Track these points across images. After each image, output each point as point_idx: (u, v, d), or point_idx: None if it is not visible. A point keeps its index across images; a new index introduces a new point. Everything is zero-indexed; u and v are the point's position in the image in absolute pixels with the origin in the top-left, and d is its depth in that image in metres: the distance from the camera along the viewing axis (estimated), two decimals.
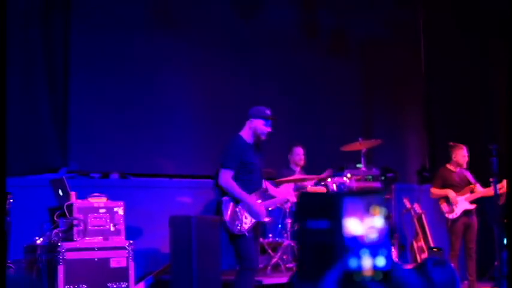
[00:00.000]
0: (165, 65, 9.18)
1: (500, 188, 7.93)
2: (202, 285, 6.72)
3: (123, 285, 6.83)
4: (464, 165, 9.09)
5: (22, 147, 7.89)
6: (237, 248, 6.61)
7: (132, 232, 7.54)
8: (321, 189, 7.82)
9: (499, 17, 10.61)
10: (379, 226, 2.67)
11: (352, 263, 2.56)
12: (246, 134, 6.78)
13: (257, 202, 6.67)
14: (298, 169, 9.26)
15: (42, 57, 8.27)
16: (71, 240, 6.73)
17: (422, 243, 10.01)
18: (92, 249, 6.76)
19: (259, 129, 6.74)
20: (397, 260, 9.24)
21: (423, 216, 10.12)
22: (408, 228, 10.36)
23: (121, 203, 7.06)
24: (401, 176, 10.24)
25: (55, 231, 6.77)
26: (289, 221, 8.46)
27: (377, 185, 9.11)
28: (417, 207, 10.13)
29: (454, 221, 8.91)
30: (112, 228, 6.94)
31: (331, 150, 9.45)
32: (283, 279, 7.68)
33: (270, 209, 7.12)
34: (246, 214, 6.59)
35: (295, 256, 8.35)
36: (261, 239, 7.83)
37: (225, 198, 6.60)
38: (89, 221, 6.84)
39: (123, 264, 6.88)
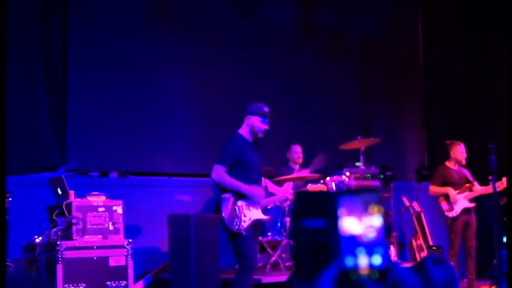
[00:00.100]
0: (165, 65, 9.19)
1: (499, 186, 7.95)
2: (201, 284, 6.73)
3: (122, 284, 6.84)
4: (463, 162, 9.11)
5: (21, 146, 7.89)
6: (237, 246, 6.62)
7: (131, 231, 7.55)
8: (321, 187, 7.82)
9: (499, 17, 10.62)
10: (377, 225, 2.67)
11: (349, 261, 2.56)
12: (244, 131, 6.80)
13: (252, 187, 6.66)
14: (297, 167, 9.27)
15: (41, 57, 8.26)
16: (70, 239, 6.74)
17: (421, 241, 10.03)
18: (91, 247, 6.77)
19: (257, 126, 6.75)
20: (396, 258, 9.26)
21: (422, 214, 10.13)
22: (407, 226, 10.38)
23: (120, 201, 7.07)
24: (400, 174, 10.29)
25: (54, 230, 6.77)
26: (288, 219, 8.47)
27: (376, 183, 9.13)
28: (416, 206, 10.15)
29: (454, 219, 8.92)
30: (111, 227, 6.95)
31: (330, 148, 9.46)
32: (282, 278, 7.70)
33: (269, 207, 7.13)
34: (246, 212, 6.60)
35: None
36: (260, 238, 7.83)
37: (224, 195, 6.62)
38: (88, 219, 6.85)
39: (122, 262, 6.89)
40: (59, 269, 6.53)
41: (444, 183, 9.05)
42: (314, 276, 2.63)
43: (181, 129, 9.24)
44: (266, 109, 6.80)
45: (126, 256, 6.91)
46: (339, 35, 10.62)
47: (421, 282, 3.38)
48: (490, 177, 7.77)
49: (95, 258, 6.76)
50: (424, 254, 9.80)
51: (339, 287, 2.56)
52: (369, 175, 9.15)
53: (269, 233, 8.67)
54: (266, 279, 7.78)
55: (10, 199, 6.52)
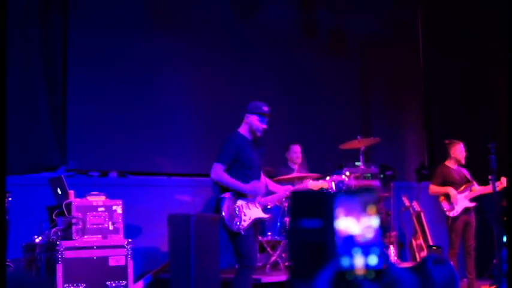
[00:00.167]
0: (165, 65, 9.19)
1: (498, 186, 7.95)
2: (201, 284, 6.73)
3: (121, 284, 6.84)
4: (463, 161, 9.10)
5: (21, 146, 7.90)
6: (236, 246, 6.63)
7: (131, 230, 7.55)
8: (323, 184, 7.80)
9: (499, 17, 10.62)
10: (375, 225, 2.68)
11: (345, 262, 2.57)
12: (243, 130, 6.80)
13: (250, 183, 6.67)
14: (296, 167, 9.27)
15: (41, 57, 8.27)
16: (70, 238, 6.73)
17: (421, 241, 10.02)
18: (91, 247, 6.77)
19: (255, 125, 6.75)
20: (396, 258, 9.26)
21: (422, 214, 10.13)
22: (407, 226, 10.38)
23: (120, 201, 7.06)
24: (400, 174, 10.29)
25: (54, 229, 6.77)
26: (288, 219, 8.47)
27: (376, 183, 9.13)
28: (416, 205, 10.14)
29: (455, 219, 8.91)
30: (111, 227, 6.95)
31: (330, 148, 9.48)
32: (282, 278, 7.72)
33: (269, 206, 7.12)
34: (246, 211, 6.60)
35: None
36: (260, 237, 7.84)
37: (224, 195, 6.62)
38: (87, 219, 6.85)
39: (122, 262, 6.89)
40: (59, 268, 6.53)
41: (444, 183, 9.05)
42: (310, 276, 2.64)
43: (181, 129, 9.25)
44: (265, 108, 6.79)
45: (126, 256, 6.91)
46: (339, 35, 10.62)
47: (421, 282, 3.39)
48: (489, 177, 7.77)
49: (95, 258, 6.76)
50: (424, 253, 9.80)
51: (335, 287, 2.57)
52: (369, 175, 9.15)
53: (269, 233, 8.67)
54: (266, 279, 7.79)
55: (10, 199, 6.53)
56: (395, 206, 10.03)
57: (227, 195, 6.62)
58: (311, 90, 10.31)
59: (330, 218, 2.57)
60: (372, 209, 2.70)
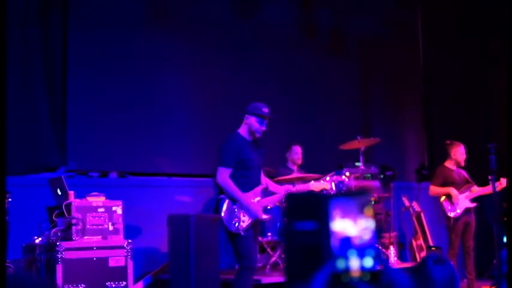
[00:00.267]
0: (165, 65, 9.19)
1: (497, 186, 7.95)
2: (201, 285, 6.74)
3: (121, 285, 6.85)
4: (463, 163, 9.09)
5: (21, 146, 7.91)
6: (236, 246, 6.62)
7: (130, 231, 7.55)
8: (325, 185, 7.80)
9: (499, 17, 10.61)
10: (372, 227, 2.69)
11: (340, 264, 2.57)
12: (243, 130, 6.78)
13: (252, 201, 6.66)
14: (295, 168, 9.27)
15: (41, 57, 8.28)
16: (70, 239, 6.74)
17: (421, 241, 10.03)
18: (91, 248, 6.78)
19: (254, 127, 6.73)
20: (396, 258, 9.26)
21: (422, 214, 10.13)
22: (407, 226, 10.38)
23: (120, 202, 7.07)
24: (400, 174, 10.29)
25: (54, 230, 6.78)
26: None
27: (376, 183, 9.13)
28: (416, 206, 10.14)
29: (456, 219, 8.90)
30: (111, 228, 6.96)
31: (330, 148, 9.48)
32: (282, 278, 7.70)
33: (269, 207, 7.13)
34: (244, 212, 6.61)
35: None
36: (260, 238, 7.83)
37: (223, 196, 6.62)
38: (87, 220, 6.85)
39: (122, 263, 6.90)
40: (59, 269, 6.53)
41: (445, 184, 9.04)
42: (306, 278, 2.64)
43: (181, 129, 9.25)
44: (265, 109, 6.74)
45: (126, 257, 6.91)
46: (339, 35, 10.62)
47: (421, 282, 3.39)
48: (489, 177, 7.78)
49: (95, 258, 6.77)
50: (424, 254, 9.80)
51: None
52: (369, 175, 9.16)
53: (269, 233, 8.67)
54: (266, 280, 7.78)
55: (10, 199, 6.53)
56: (395, 206, 10.03)
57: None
58: (311, 90, 10.31)
59: (326, 220, 2.58)
60: (368, 210, 2.70)
